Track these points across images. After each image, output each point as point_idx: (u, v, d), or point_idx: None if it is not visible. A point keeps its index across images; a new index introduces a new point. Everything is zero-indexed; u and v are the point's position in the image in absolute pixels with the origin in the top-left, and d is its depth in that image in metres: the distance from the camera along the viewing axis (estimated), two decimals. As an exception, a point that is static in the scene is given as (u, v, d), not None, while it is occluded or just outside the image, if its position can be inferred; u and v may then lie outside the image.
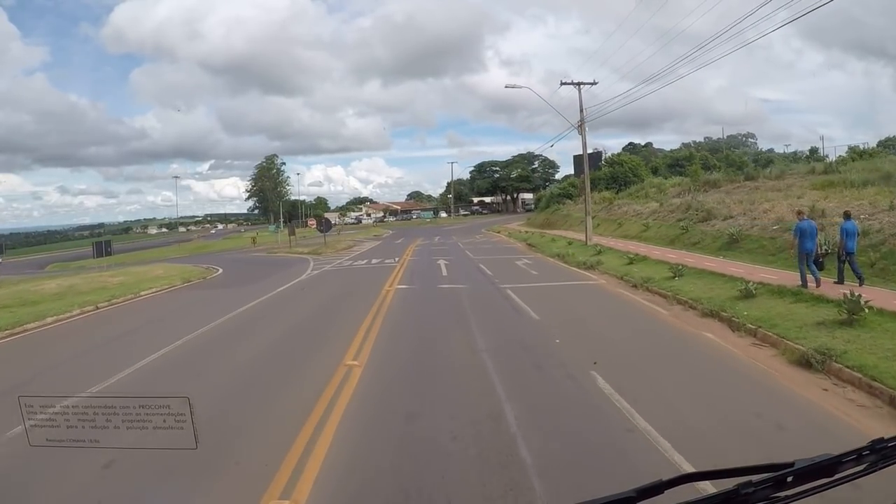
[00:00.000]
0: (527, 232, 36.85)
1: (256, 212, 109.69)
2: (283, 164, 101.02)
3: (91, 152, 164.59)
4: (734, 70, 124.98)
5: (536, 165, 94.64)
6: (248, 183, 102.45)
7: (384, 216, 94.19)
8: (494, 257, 21.99)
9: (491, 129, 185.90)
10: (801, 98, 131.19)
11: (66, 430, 1.90)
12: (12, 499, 3.82)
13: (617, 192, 43.36)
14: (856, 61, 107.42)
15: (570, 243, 24.14)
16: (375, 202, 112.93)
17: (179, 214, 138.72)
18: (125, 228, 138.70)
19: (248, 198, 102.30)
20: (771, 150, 68.39)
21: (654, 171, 50.23)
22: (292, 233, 34.95)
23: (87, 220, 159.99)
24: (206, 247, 55.43)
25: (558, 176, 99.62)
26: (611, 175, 46.63)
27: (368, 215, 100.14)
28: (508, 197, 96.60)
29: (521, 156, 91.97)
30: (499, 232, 42.97)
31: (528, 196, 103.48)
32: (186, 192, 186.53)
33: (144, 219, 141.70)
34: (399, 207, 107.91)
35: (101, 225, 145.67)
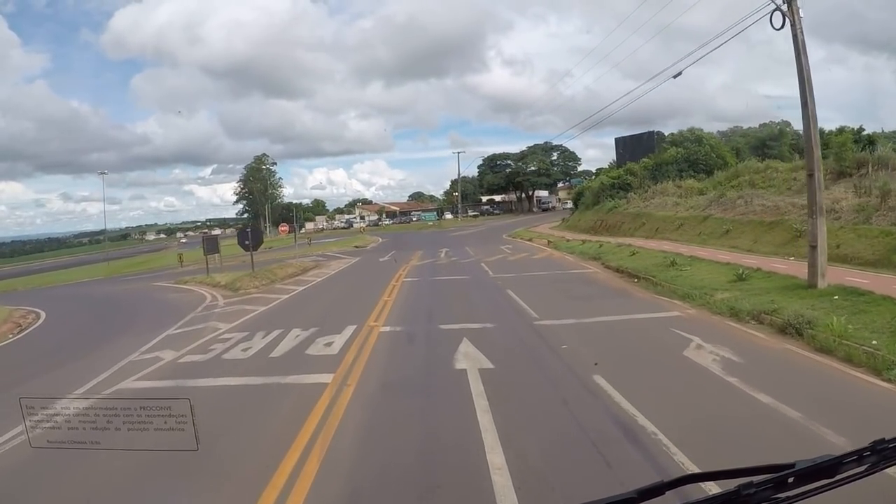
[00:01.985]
0: (583, 242, 23.64)
1: (246, 216, 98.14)
2: (275, 164, 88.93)
3: (93, 159, 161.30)
4: (736, 66, 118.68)
5: (555, 157, 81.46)
6: (238, 185, 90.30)
7: (379, 219, 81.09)
8: (606, 321, 8.72)
9: (493, 129, 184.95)
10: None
11: (68, 431, 1.86)
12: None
13: (697, 181, 30.46)
14: (858, 56, 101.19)
15: (741, 277, 10.91)
16: (371, 202, 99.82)
17: (182, 220, 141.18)
18: (123, 235, 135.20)
19: (236, 201, 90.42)
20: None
21: (736, 154, 37.18)
22: (212, 249, 21.47)
23: (90, 227, 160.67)
24: (137, 265, 42.37)
25: (580, 169, 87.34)
26: (685, 157, 33.45)
27: (362, 218, 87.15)
28: (523, 194, 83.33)
29: (537, 146, 78.77)
30: (531, 240, 29.82)
31: (544, 193, 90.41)
32: (189, 197, 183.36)
33: (146, 224, 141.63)
34: (398, 209, 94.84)
35: (103, 231, 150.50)
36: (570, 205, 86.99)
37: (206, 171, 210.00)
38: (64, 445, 1.88)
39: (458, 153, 71.65)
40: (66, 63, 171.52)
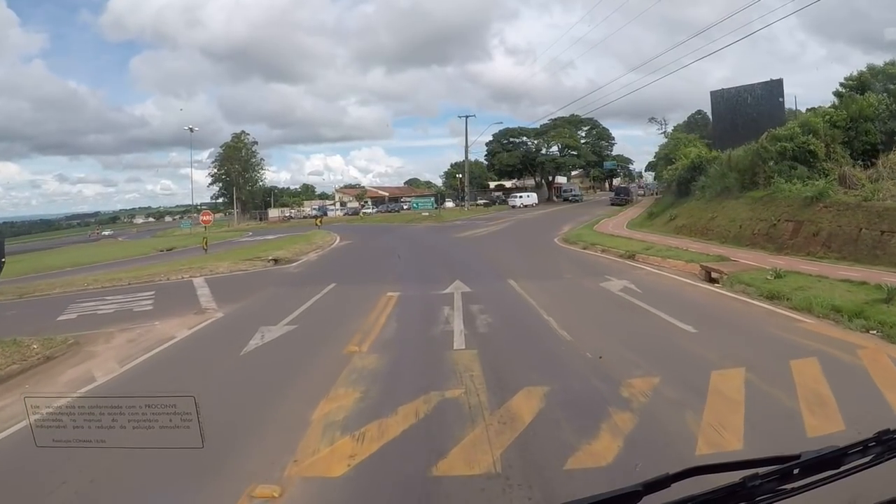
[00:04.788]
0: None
1: (221, 200, 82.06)
2: (255, 143, 72.77)
3: (90, 140, 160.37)
4: (739, 61, 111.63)
5: (583, 135, 65.09)
6: (213, 166, 73.96)
7: (362, 206, 64.42)
8: None
9: (494, 118, 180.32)
10: (801, 91, 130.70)
11: (73, 430, 1.84)
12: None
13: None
14: (861, 55, 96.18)
15: None
16: (358, 186, 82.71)
17: (176, 203, 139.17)
18: (113, 218, 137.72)
19: (210, 183, 74.33)
20: None
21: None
22: None
23: (85, 209, 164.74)
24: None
25: (616, 150, 71.39)
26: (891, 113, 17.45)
27: (343, 204, 70.58)
28: (542, 180, 66.98)
29: (561, 119, 61.89)
30: (630, 258, 13.80)
31: (562, 180, 74.28)
32: (186, 181, 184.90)
33: (139, 207, 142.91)
34: (387, 194, 78.20)
35: (96, 213, 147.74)
36: (598, 195, 71.79)
37: (203, 155, 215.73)
38: (69, 444, 1.86)
39: (467, 118, 53.58)
40: (64, 43, 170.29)
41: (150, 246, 31.35)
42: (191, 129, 48.14)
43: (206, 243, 20.49)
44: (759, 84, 27.89)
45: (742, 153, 18.30)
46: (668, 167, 24.58)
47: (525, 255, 15.92)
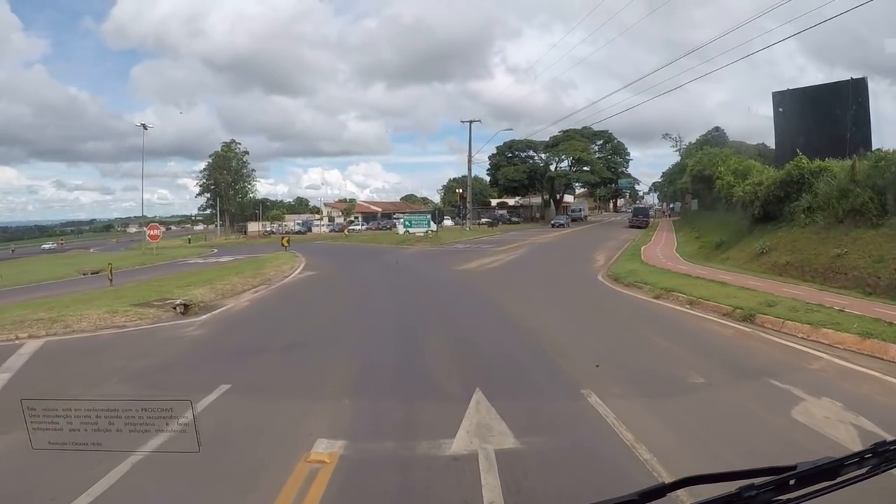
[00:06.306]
0: None
1: (209, 211, 77.50)
2: (247, 153, 68.57)
3: (89, 147, 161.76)
4: (737, 85, 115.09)
5: (596, 149, 59.98)
6: (201, 174, 69.48)
7: (349, 223, 58.69)
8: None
9: (494, 137, 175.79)
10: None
11: (69, 433, 1.80)
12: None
13: None
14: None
15: None
16: (344, 200, 77.17)
17: (172, 213, 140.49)
18: (107, 226, 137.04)
19: (199, 193, 69.97)
20: None
21: None
22: None
23: (82, 216, 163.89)
24: None
25: (631, 169, 66.55)
26: None
27: (331, 219, 65.08)
28: (549, 198, 61.67)
29: (573, 131, 56.61)
30: (830, 338, 8.08)
31: (569, 198, 69.22)
32: (183, 191, 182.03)
33: (135, 216, 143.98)
34: (379, 210, 72.82)
35: (92, 221, 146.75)
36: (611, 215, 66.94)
37: (201, 166, 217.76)
38: (66, 447, 1.84)
39: (471, 122, 47.44)
40: (66, 50, 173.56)
41: (79, 266, 25.50)
42: (144, 126, 42.57)
43: (111, 273, 14.72)
44: (835, 84, 22.83)
45: (873, 163, 12.84)
46: (744, 183, 19.12)
47: (576, 312, 10.20)
